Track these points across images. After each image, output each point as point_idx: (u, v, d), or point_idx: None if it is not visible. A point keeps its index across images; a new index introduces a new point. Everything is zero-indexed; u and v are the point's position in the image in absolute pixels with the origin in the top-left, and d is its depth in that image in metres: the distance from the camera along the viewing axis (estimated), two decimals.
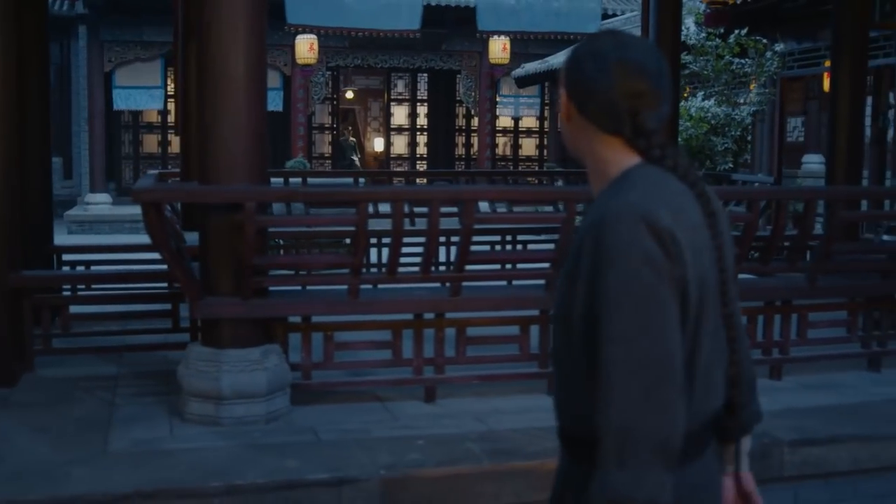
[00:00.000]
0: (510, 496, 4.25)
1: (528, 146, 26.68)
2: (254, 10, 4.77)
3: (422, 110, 26.34)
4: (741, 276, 6.09)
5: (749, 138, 14.50)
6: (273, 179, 9.76)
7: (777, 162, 15.02)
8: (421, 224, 5.14)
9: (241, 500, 4.00)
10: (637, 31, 10.12)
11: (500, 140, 25.95)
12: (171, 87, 20.08)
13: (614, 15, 21.90)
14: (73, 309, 6.13)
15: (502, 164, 25.34)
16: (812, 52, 14.21)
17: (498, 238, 8.94)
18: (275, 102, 22.49)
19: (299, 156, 21.44)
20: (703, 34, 13.99)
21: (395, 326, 5.24)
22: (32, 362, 5.69)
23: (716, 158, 13.16)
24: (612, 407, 1.76)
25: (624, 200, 1.82)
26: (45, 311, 5.78)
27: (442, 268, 7.53)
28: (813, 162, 15.57)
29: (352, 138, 25.59)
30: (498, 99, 24.37)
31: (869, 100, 14.03)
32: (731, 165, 13.15)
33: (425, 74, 25.69)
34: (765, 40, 14.23)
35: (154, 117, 23.70)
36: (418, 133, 26.28)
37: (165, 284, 6.17)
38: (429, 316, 5.27)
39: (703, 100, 13.67)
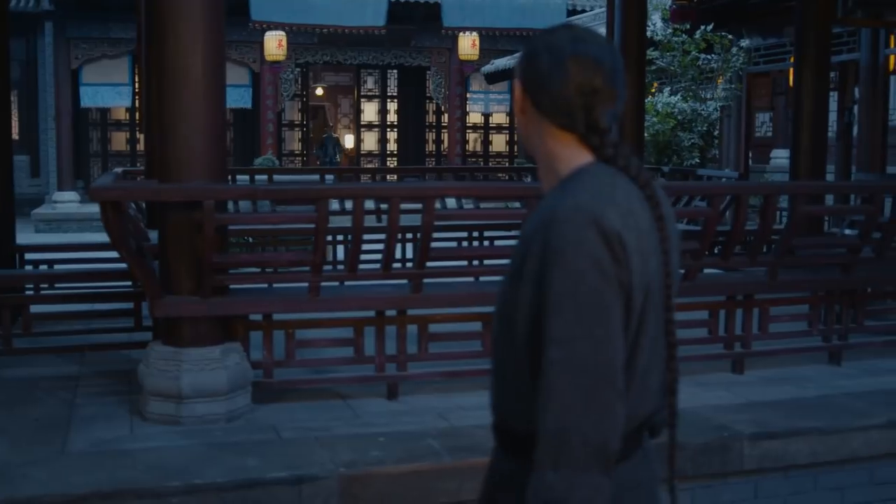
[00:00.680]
0: (470, 493, 4.23)
1: (499, 142, 26.71)
2: (212, 6, 4.75)
3: (392, 107, 26.31)
4: (706, 270, 6.16)
5: (716, 134, 14.57)
6: (240, 177, 9.77)
7: (744, 157, 15.11)
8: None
9: (201, 500, 3.97)
10: (603, 28, 10.15)
11: (471, 136, 25.96)
12: (138, 85, 19.95)
13: (582, 11, 21.94)
14: (36, 308, 6.09)
15: (473, 160, 25.35)
16: (778, 48, 14.30)
17: (465, 234, 8.97)
18: (244, 99, 22.44)
19: (269, 153, 21.35)
20: (670, 30, 14.06)
21: (357, 324, 5.23)
22: None
23: (682, 154, 13.23)
24: (551, 408, 1.75)
25: (574, 201, 1.81)
26: (6, 311, 5.72)
27: (409, 264, 7.53)
28: (781, 157, 15.69)
29: (334, 134, 25.47)
30: (468, 95, 24.38)
31: (835, 95, 14.18)
32: (697, 160, 13.21)
33: (395, 71, 25.66)
34: (730, 36, 14.31)
35: (122, 115, 23.54)
36: (388, 129, 26.26)
37: (129, 283, 6.14)
38: (391, 313, 5.27)
39: (670, 95, 13.72)
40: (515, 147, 26.27)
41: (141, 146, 22.80)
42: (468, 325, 5.43)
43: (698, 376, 5.73)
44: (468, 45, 20.01)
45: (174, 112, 4.70)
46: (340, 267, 7.60)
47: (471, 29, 16.27)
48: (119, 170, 8.45)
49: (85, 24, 21.14)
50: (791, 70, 9.76)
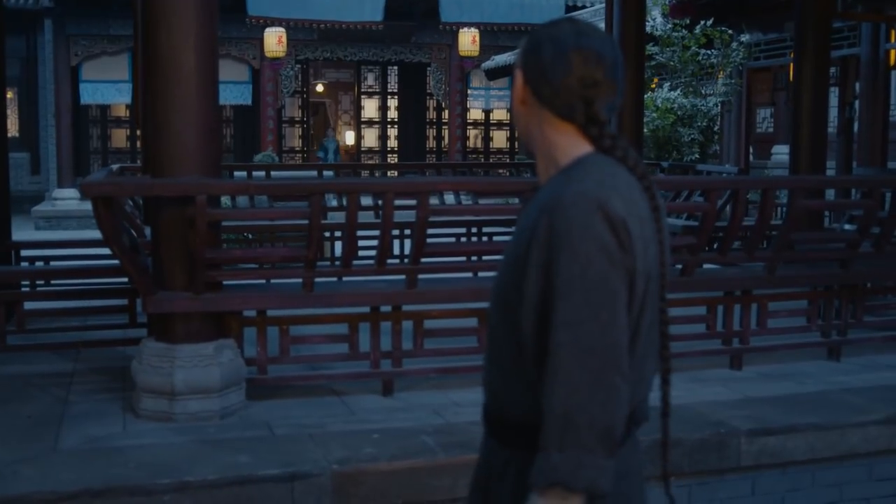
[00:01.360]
0: (465, 489, 4.17)
1: (499, 138, 26.64)
2: (204, 1, 4.71)
3: (392, 103, 26.24)
4: (706, 265, 6.12)
5: (717, 129, 14.52)
6: (237, 173, 9.74)
7: (744, 152, 15.07)
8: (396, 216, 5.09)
9: (192, 497, 3.94)
10: (602, 24, 10.11)
11: (471, 132, 25.89)
12: None
13: (580, 7, 21.89)
14: (32, 305, 6.06)
15: (473, 156, 25.29)
16: (778, 43, 14.25)
17: (464, 230, 8.95)
18: (244, 96, 22.40)
19: (268, 149, 21.31)
20: (670, 25, 14.00)
21: (351, 320, 5.20)
22: None
23: (682, 149, 13.18)
24: (557, 390, 1.77)
25: (579, 187, 1.83)
26: (0, 308, 5.69)
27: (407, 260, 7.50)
28: (782, 153, 15.64)
29: (333, 134, 25.38)
30: (468, 91, 24.33)
31: (836, 90, 14.14)
32: (697, 156, 13.16)
33: (395, 67, 25.59)
34: (730, 31, 14.25)
35: (122, 111, 23.48)
36: (389, 126, 26.19)
37: (125, 280, 6.10)
38: (386, 309, 5.23)
39: (670, 91, 13.67)
40: (516, 143, 26.21)
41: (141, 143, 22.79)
42: (464, 321, 5.39)
43: (696, 372, 5.70)
44: (468, 41, 19.95)
45: (167, 107, 4.67)
46: (338, 263, 7.56)
47: (469, 24, 16.25)
48: (116, 166, 8.41)
49: (84, 21, 21.09)
50: (791, 65, 9.73)
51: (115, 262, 5.81)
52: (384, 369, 5.25)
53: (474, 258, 6.80)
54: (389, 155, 25.92)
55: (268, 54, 19.18)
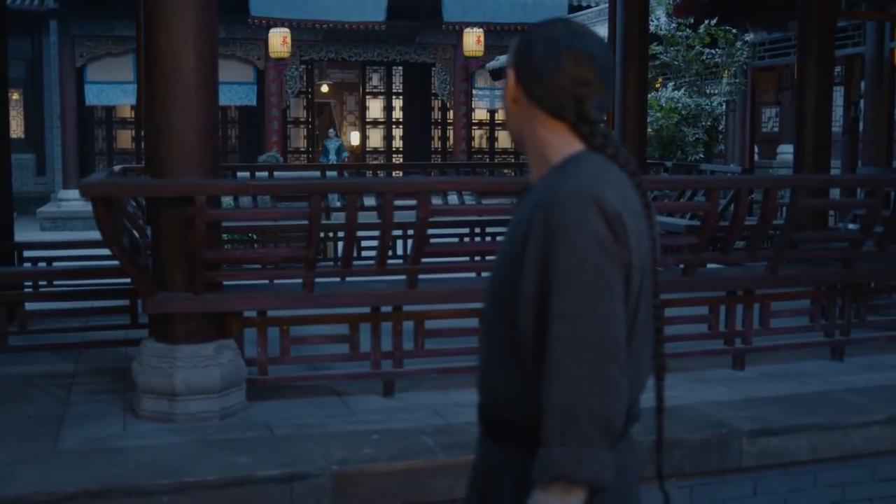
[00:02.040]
0: (464, 490, 4.21)
1: (504, 138, 26.59)
2: (205, 1, 4.70)
3: (397, 103, 26.24)
4: (708, 265, 6.11)
5: (721, 128, 14.49)
6: (240, 173, 9.75)
7: (749, 152, 15.03)
8: (399, 216, 5.07)
9: (191, 498, 3.94)
10: (606, 23, 10.08)
11: (476, 133, 25.88)
12: None
13: (582, 7, 21.87)
14: (34, 306, 6.06)
15: (478, 156, 25.28)
16: (783, 42, 14.21)
17: (467, 230, 8.94)
18: (248, 97, 22.42)
19: (273, 150, 21.32)
20: (674, 25, 13.97)
21: (352, 320, 5.18)
22: None
23: (687, 149, 13.15)
24: (557, 384, 1.79)
25: (574, 182, 1.86)
26: (1, 309, 5.68)
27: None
28: (788, 152, 15.59)
29: (335, 134, 25.33)
30: (473, 91, 24.31)
31: (841, 90, 14.09)
32: (702, 155, 13.13)
33: (400, 67, 25.60)
34: (735, 30, 14.22)
35: (127, 113, 23.49)
36: (394, 126, 26.19)
37: (127, 280, 6.09)
38: (386, 309, 5.22)
39: (674, 90, 13.64)
40: None
41: None
42: (465, 322, 5.37)
43: (698, 372, 5.69)
44: (473, 41, 19.91)
45: (166, 107, 4.67)
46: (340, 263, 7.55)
47: (471, 24, 16.22)
48: (119, 167, 8.42)
49: (89, 23, 21.12)
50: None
51: (117, 262, 5.83)
52: (385, 370, 5.24)
53: (477, 258, 6.79)
54: (394, 155, 25.92)
55: (272, 55, 19.18)
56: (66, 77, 21.27)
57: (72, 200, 20.47)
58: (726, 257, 5.71)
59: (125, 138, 23.94)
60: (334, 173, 10.93)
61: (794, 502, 4.89)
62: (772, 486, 4.83)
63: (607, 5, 9.72)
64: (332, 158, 22.81)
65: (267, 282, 5.57)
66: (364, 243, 8.04)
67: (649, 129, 12.19)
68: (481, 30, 18.62)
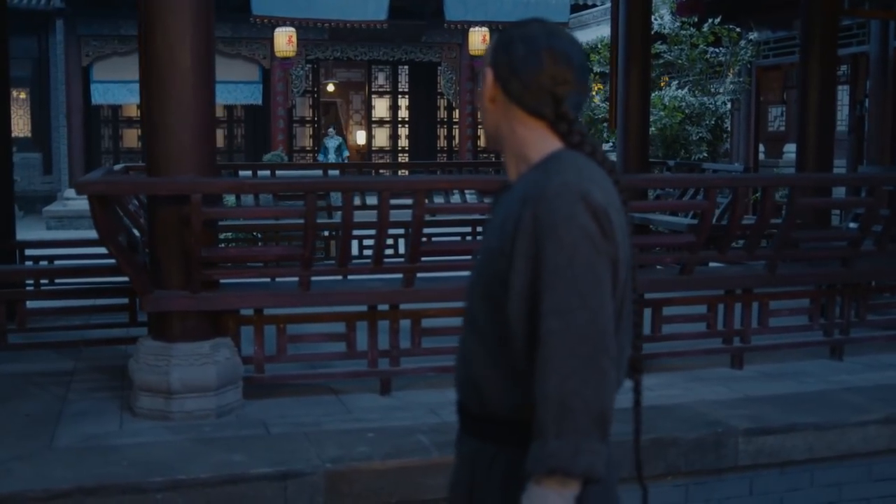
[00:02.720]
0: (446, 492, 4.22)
1: None
2: (202, 1, 4.71)
3: (403, 102, 26.26)
4: (710, 264, 6.10)
5: (727, 127, 14.46)
6: (242, 172, 9.78)
7: (753, 151, 15.00)
8: (402, 216, 5.08)
9: (184, 495, 3.95)
10: (609, 23, 10.07)
11: (482, 132, 25.84)
12: None
13: (586, 6, 21.86)
14: (35, 304, 6.08)
15: (484, 155, 25.23)
16: (788, 41, 14.18)
17: (469, 230, 8.94)
18: (254, 96, 22.43)
19: (279, 149, 21.34)
20: (678, 23, 13.94)
21: (349, 318, 5.19)
22: None
23: (690, 148, 13.12)
24: (552, 377, 1.80)
25: (561, 178, 1.88)
26: (1, 307, 5.71)
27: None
28: (794, 151, 15.52)
29: (334, 133, 25.32)
30: (479, 90, 24.29)
31: (847, 88, 14.06)
32: (706, 154, 13.11)
33: (406, 67, 25.62)
34: (739, 29, 14.19)
35: (134, 112, 23.53)
36: (400, 125, 26.21)
37: (126, 278, 6.11)
38: (383, 308, 5.23)
39: (677, 89, 13.62)
40: None
41: None
42: (461, 320, 5.36)
43: (696, 371, 5.68)
44: (478, 40, 19.91)
45: (163, 106, 4.68)
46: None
47: (474, 23, 16.24)
48: (120, 165, 8.44)
49: (96, 22, 21.18)
50: None
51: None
52: (382, 368, 5.24)
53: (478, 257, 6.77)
54: (400, 154, 25.93)
55: (278, 54, 19.19)
56: (73, 76, 21.33)
57: (78, 199, 20.47)
58: (724, 256, 5.70)
59: (131, 137, 23.99)
60: (336, 172, 10.93)
61: (790, 502, 4.88)
62: (768, 486, 4.83)
63: (610, 4, 9.70)
64: (332, 157, 22.77)
65: (268, 280, 5.58)
66: (366, 242, 8.06)
67: (653, 128, 12.17)
68: (486, 28, 18.64)
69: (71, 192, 20.80)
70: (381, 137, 26.40)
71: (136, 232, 5.90)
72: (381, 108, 26.45)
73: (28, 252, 7.41)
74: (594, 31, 17.44)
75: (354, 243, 8.35)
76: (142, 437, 4.49)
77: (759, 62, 14.96)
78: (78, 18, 21.12)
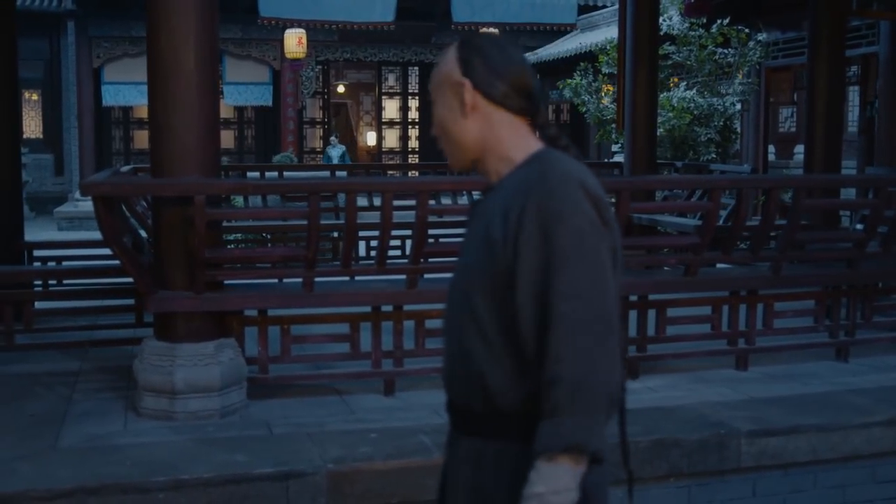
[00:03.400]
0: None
1: None
2: (206, 2, 4.73)
3: (413, 104, 26.30)
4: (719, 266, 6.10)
5: (736, 129, 14.43)
6: (250, 173, 9.80)
7: (762, 152, 14.97)
8: (411, 216, 5.09)
9: (187, 495, 3.96)
10: (616, 24, 10.07)
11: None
12: None
13: (595, 7, 21.84)
14: (42, 305, 6.12)
15: None
16: (797, 42, 14.15)
17: None
18: (264, 97, 22.51)
19: (289, 150, 21.39)
20: (686, 24, 13.92)
21: (352, 319, 5.20)
22: None
23: (699, 149, 13.09)
24: (567, 358, 1.84)
25: (561, 168, 1.94)
26: (7, 307, 5.74)
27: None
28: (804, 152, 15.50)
29: (338, 141, 25.22)
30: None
31: (858, 89, 14.02)
32: (714, 156, 13.07)
33: (416, 68, 25.65)
34: (747, 30, 14.16)
35: (144, 113, 23.33)
36: (410, 127, 26.24)
37: (132, 279, 6.13)
38: (387, 308, 5.24)
39: (686, 90, 13.59)
40: None
41: None
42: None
43: (700, 373, 5.68)
44: None
45: (167, 107, 4.70)
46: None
47: (481, 24, 16.30)
48: (127, 166, 8.47)
49: (107, 24, 21.28)
50: None
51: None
52: (385, 369, 5.26)
53: None
54: (410, 155, 25.97)
55: (288, 55, 19.25)
56: (84, 78, 21.45)
57: (88, 200, 20.49)
58: (729, 257, 5.70)
59: (142, 138, 24.05)
60: (344, 173, 10.95)
61: (793, 503, 4.87)
62: (771, 487, 4.82)
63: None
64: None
65: (273, 281, 5.59)
66: (373, 243, 8.08)
67: (661, 130, 12.15)
68: (495, 30, 18.66)
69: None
70: (392, 138, 26.43)
71: (143, 233, 5.92)
72: (391, 109, 26.49)
73: (36, 253, 7.45)
74: (602, 33, 17.44)
75: (362, 244, 8.39)
76: (145, 437, 4.51)
77: (769, 63, 14.92)
78: (89, 20, 21.24)
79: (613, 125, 13.59)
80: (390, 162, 24.85)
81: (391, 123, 26.43)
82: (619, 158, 13.19)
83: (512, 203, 1.94)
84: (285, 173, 9.72)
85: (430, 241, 5.08)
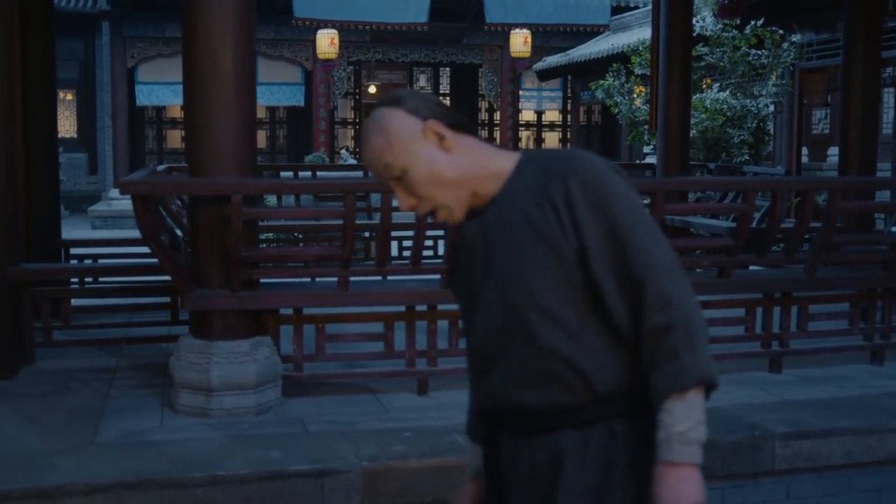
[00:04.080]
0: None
1: (551, 140, 26.60)
2: (243, 3, 4.77)
3: None
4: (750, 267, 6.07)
5: (769, 130, 14.34)
6: (284, 173, 9.86)
7: (796, 154, 14.87)
8: None
9: (223, 491, 4.01)
10: (650, 25, 10.04)
11: (523, 134, 25.90)
12: None
13: (627, 8, 21.78)
14: (80, 302, 6.19)
15: None
16: (832, 43, 14.04)
17: None
18: (296, 97, 22.62)
19: (320, 150, 21.48)
20: (720, 25, 13.85)
21: (387, 318, 5.23)
22: (33, 355, 5.73)
23: (732, 150, 13.02)
24: (672, 304, 1.93)
25: (569, 152, 2.05)
26: (45, 304, 5.82)
27: None
28: (837, 155, 15.41)
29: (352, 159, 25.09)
30: (520, 93, 24.31)
31: (893, 91, 13.90)
32: (747, 158, 13.00)
33: (447, 69, 25.68)
34: (781, 31, 14.07)
35: (177, 113, 23.77)
36: None
37: (168, 277, 6.20)
38: (421, 308, 5.27)
39: (719, 91, 13.53)
40: (568, 145, 26.15)
41: None
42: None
43: (734, 375, 5.65)
44: (520, 42, 19.91)
45: (204, 108, 4.74)
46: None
47: (514, 25, 16.29)
48: (163, 166, 8.54)
49: (141, 24, 21.46)
50: None
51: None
52: (419, 368, 5.28)
53: None
54: None
55: (320, 56, 19.34)
56: (118, 78, 21.64)
57: (122, 199, 20.66)
58: (763, 259, 5.68)
59: (175, 138, 24.26)
60: None
61: None
62: (805, 490, 4.80)
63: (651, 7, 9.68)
64: None
65: (308, 280, 5.63)
66: (405, 244, 8.10)
67: (694, 131, 12.09)
68: (528, 31, 18.67)
69: (115, 192, 20.97)
70: None
71: (178, 232, 5.98)
72: None
73: (73, 251, 7.53)
74: (635, 34, 17.39)
75: (394, 244, 8.41)
76: (182, 434, 4.56)
77: (802, 64, 14.83)
78: (123, 20, 21.42)
79: (646, 126, 13.54)
80: None
81: None
82: (650, 160, 13.16)
83: (546, 192, 1.97)
84: (318, 173, 9.76)
85: None
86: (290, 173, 9.67)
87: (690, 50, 9.40)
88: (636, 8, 21.65)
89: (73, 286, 6.71)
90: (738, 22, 13.39)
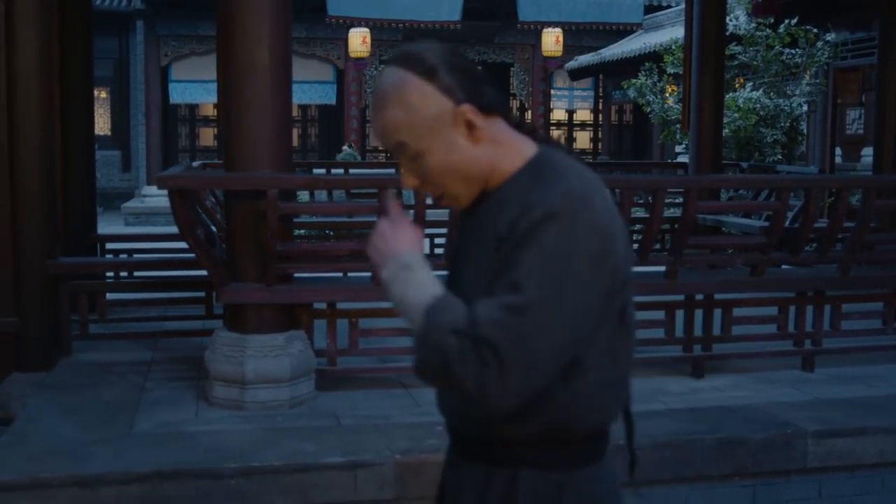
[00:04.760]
0: None
1: (583, 139, 26.56)
2: (279, 4, 4.82)
3: None
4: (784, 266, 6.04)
5: (802, 130, 14.27)
6: (317, 170, 9.92)
7: (830, 154, 14.78)
8: None
9: (257, 482, 4.06)
10: (683, 24, 10.02)
11: (554, 133, 25.84)
12: None
13: (660, 7, 21.70)
14: (115, 296, 6.27)
15: None
16: (866, 42, 13.94)
17: None
18: (328, 96, 22.71)
19: (349, 142, 21.57)
20: (753, 24, 13.79)
21: None
22: (70, 347, 5.81)
23: (765, 150, 12.97)
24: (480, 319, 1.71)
25: (566, 187, 1.74)
26: (82, 298, 5.90)
27: None
28: (872, 155, 15.30)
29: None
30: (551, 92, 24.29)
31: None
32: (780, 157, 12.94)
33: (479, 67, 25.69)
34: (816, 30, 14.00)
35: (210, 111, 23.99)
36: None
37: (204, 272, 6.25)
38: None
39: (752, 90, 13.47)
40: (599, 144, 26.10)
41: None
42: None
43: (766, 373, 5.65)
44: (552, 41, 19.90)
45: (240, 104, 4.79)
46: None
47: (546, 23, 16.25)
48: (198, 163, 8.63)
49: (174, 23, 21.63)
50: None
51: (193, 254, 6.00)
52: None
53: None
54: None
55: (352, 54, 19.42)
56: (152, 76, 21.82)
57: (155, 196, 20.95)
58: (797, 258, 5.67)
59: (207, 136, 24.46)
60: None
61: None
62: (837, 489, 4.79)
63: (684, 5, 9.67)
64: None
65: (341, 275, 5.67)
66: (436, 241, 8.13)
67: (726, 130, 12.05)
68: (560, 30, 18.67)
69: (148, 189, 21.28)
70: None
71: (212, 227, 6.04)
72: None
73: (108, 245, 7.63)
74: (668, 33, 17.35)
75: (426, 241, 8.44)
76: (217, 425, 4.61)
77: (837, 63, 14.73)
78: (157, 19, 21.60)
79: (678, 125, 13.51)
80: None
81: None
82: (682, 159, 13.12)
83: (512, 214, 1.74)
84: (351, 170, 9.81)
85: None
86: (323, 170, 9.73)
87: (723, 49, 9.37)
88: (669, 7, 21.58)
89: (108, 280, 6.79)
90: (772, 20, 13.33)
